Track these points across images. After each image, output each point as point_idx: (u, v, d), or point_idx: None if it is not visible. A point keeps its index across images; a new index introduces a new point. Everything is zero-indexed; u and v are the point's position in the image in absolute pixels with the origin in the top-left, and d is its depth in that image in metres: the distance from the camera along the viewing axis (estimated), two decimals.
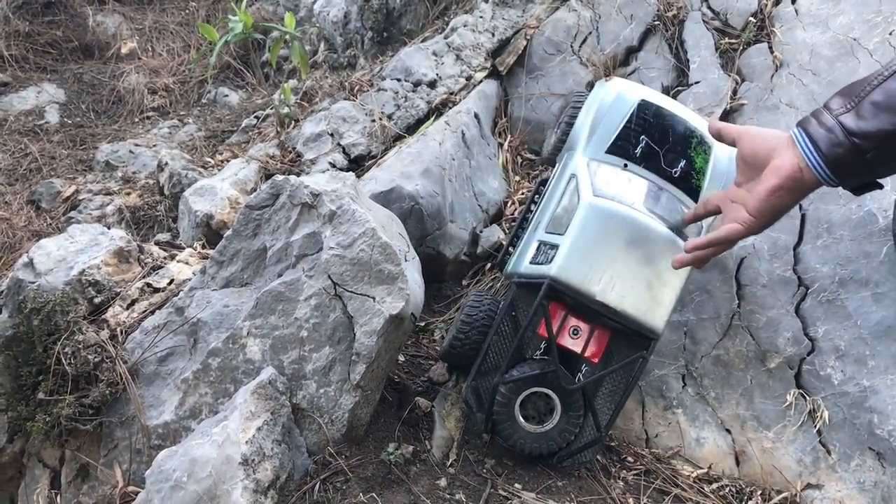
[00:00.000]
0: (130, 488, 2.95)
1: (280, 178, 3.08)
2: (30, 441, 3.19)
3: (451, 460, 3.13)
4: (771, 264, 3.82)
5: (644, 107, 3.23)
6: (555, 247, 2.91)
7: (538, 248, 3.06)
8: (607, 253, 2.82)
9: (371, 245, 2.88)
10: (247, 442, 2.62)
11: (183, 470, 2.60)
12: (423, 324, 4.01)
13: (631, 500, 3.14)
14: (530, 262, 3.05)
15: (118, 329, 3.21)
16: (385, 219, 3.23)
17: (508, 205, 4.65)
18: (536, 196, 3.55)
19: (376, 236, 2.89)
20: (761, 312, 3.75)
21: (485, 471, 3.11)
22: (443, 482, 2.97)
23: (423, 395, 3.39)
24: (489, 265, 4.44)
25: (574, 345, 2.95)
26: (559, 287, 2.83)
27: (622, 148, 3.15)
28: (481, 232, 4.46)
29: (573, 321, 2.96)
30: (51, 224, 5.11)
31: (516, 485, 3.08)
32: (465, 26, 5.18)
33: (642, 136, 3.16)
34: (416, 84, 4.90)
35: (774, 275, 3.80)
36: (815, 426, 3.41)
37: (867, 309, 3.61)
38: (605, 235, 2.82)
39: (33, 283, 3.25)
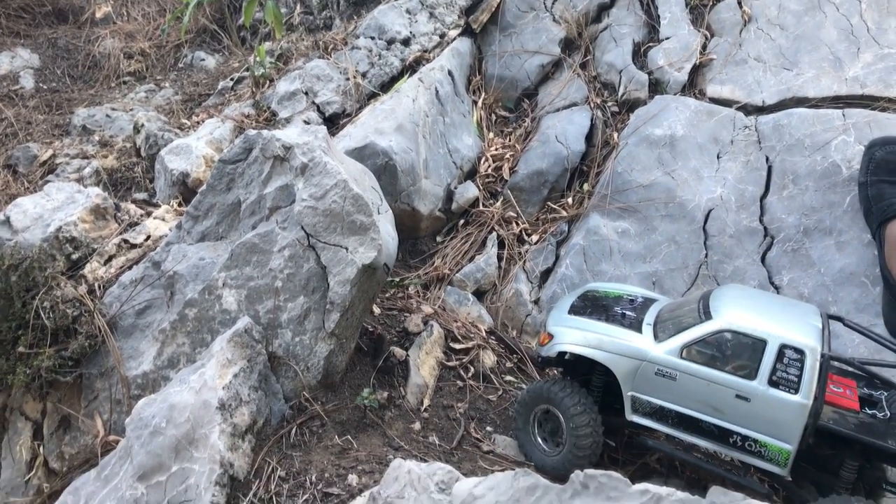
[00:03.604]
0: (111, 437, 3.02)
1: (252, 132, 3.12)
2: (11, 395, 3.24)
3: (425, 406, 3.22)
4: (738, 215, 3.91)
5: None
6: None
7: None
8: None
9: (343, 196, 2.93)
10: (224, 388, 2.68)
11: (162, 416, 2.66)
12: (398, 279, 4.08)
13: None
14: None
15: (96, 284, 3.26)
16: (358, 172, 3.27)
17: (482, 161, 4.70)
18: None
19: (348, 188, 2.93)
20: (728, 262, 3.85)
21: (458, 415, 3.21)
22: (417, 426, 3.06)
23: (398, 345, 3.46)
24: (463, 222, 4.52)
25: None
26: None
27: None
28: (456, 188, 4.51)
29: None
30: (28, 188, 5.11)
31: (488, 428, 3.18)
32: None
33: None
34: (390, 42, 4.92)
35: (741, 225, 3.89)
36: None
37: (830, 257, 3.71)
38: None
39: (10, 240, 3.29)
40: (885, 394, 2.92)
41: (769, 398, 2.70)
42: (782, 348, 2.70)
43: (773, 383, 2.70)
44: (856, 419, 2.78)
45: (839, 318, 3.06)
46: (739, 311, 2.85)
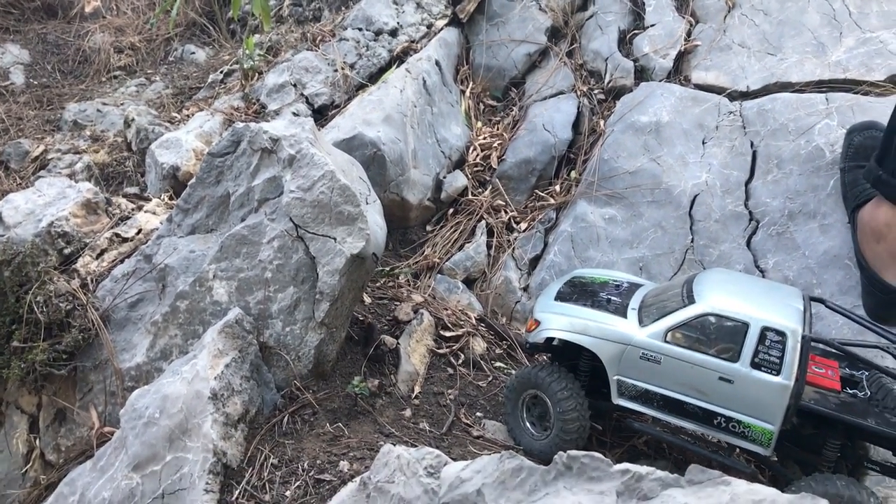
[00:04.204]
0: (106, 429, 3.06)
1: (240, 125, 3.15)
2: (7, 389, 3.28)
3: (415, 393, 3.26)
4: (723, 200, 3.96)
5: None
6: None
7: None
8: None
9: (330, 187, 2.97)
10: (216, 378, 2.73)
11: (155, 407, 2.71)
12: (388, 268, 4.12)
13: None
14: None
15: (88, 278, 3.30)
16: (345, 163, 3.31)
17: (471, 150, 4.73)
18: None
19: (335, 179, 2.97)
20: (714, 246, 3.89)
21: (448, 401, 3.25)
22: (408, 412, 3.11)
23: (388, 334, 3.50)
24: (452, 211, 4.55)
25: None
26: None
27: None
28: (445, 178, 4.55)
29: None
30: (20, 184, 5.13)
31: (478, 413, 3.23)
32: None
33: None
34: (378, 33, 4.94)
35: (727, 210, 3.94)
36: None
37: (815, 240, 3.76)
38: None
39: (2, 236, 3.32)
40: (866, 374, 2.97)
41: (752, 380, 2.74)
42: (764, 331, 2.73)
43: (755, 365, 2.74)
44: (837, 399, 2.82)
45: (821, 301, 3.11)
46: (722, 294, 2.89)
